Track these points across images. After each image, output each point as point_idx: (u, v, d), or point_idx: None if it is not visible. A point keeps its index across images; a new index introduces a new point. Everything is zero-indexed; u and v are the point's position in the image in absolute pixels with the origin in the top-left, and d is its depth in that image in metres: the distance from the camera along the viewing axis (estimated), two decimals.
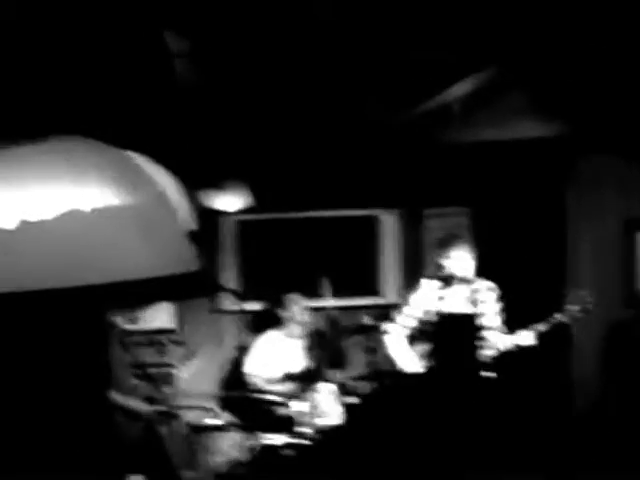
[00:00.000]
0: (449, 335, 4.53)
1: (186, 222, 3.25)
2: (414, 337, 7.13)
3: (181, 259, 1.89)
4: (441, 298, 6.90)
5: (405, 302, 7.18)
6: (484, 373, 6.67)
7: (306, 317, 8.16)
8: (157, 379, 7.32)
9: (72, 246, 1.70)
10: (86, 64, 4.26)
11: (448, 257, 6.86)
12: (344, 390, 7.67)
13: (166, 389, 7.32)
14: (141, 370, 7.25)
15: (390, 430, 4.28)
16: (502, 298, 7.03)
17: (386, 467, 4.18)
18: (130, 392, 7.01)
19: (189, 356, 7.61)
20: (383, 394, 5.03)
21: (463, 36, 5.25)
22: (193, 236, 3.37)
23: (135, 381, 7.19)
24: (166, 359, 7.62)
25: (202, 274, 1.99)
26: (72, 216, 1.72)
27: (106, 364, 6.98)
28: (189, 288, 2.05)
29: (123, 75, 4.69)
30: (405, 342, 7.03)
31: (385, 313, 7.48)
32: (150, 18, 3.98)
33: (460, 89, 6.25)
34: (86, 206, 1.76)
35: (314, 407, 7.46)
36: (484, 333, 6.77)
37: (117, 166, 1.85)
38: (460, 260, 6.85)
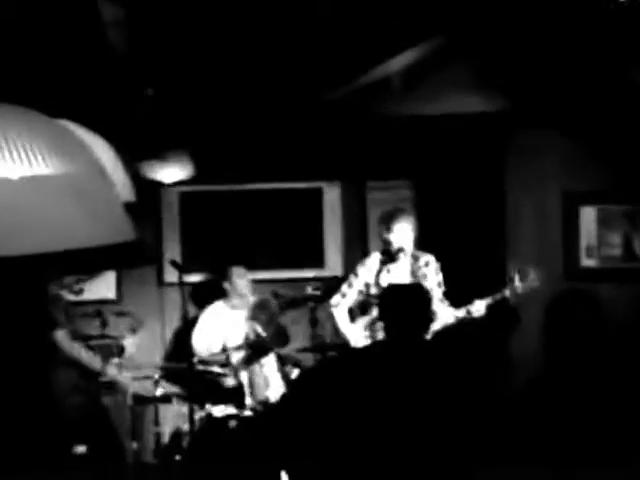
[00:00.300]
0: (397, 306, 4.49)
1: (123, 192, 3.25)
2: (355, 310, 7.20)
3: (117, 229, 1.88)
4: (384, 271, 6.96)
5: (349, 274, 7.24)
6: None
7: (249, 289, 8.17)
8: (101, 351, 7.32)
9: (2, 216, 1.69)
10: (17, 30, 4.23)
11: (391, 231, 6.89)
12: (287, 362, 7.70)
13: (110, 360, 7.32)
14: (84, 342, 7.24)
15: (331, 403, 4.24)
16: (444, 271, 7.10)
17: (325, 441, 4.16)
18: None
19: (132, 328, 7.58)
20: (325, 366, 5.02)
21: (405, 5, 5.26)
22: (131, 207, 3.36)
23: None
24: (108, 331, 7.57)
25: (138, 244, 1.98)
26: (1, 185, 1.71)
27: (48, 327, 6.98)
28: (125, 258, 2.05)
29: (55, 42, 4.65)
30: (347, 315, 7.10)
31: (329, 285, 7.53)
32: None
33: (401, 61, 6.26)
34: (14, 174, 1.75)
35: (257, 379, 7.49)
36: (436, 308, 6.86)
37: (49, 134, 1.84)
38: (402, 233, 6.89)
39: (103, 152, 3.15)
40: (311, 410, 4.30)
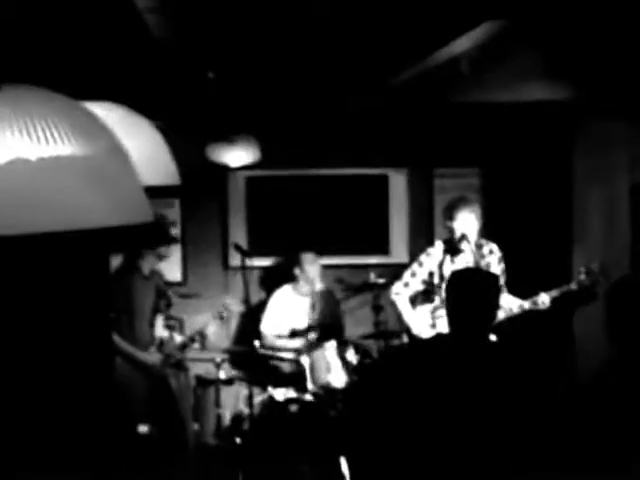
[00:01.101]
0: (462, 291, 4.38)
1: (166, 175, 3.27)
2: (417, 296, 7.18)
3: (135, 210, 1.90)
4: (448, 260, 6.94)
5: (412, 263, 7.22)
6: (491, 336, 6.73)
7: (319, 276, 8.20)
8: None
9: (17, 196, 1.71)
10: (49, 20, 4.27)
11: (454, 219, 6.86)
12: (349, 347, 7.70)
13: (175, 342, 7.40)
14: (167, 322, 7.36)
15: (396, 393, 4.21)
16: (509, 260, 7.06)
17: (387, 429, 4.14)
18: (149, 343, 7.09)
19: (220, 315, 7.65)
20: (388, 362, 4.97)
21: None
22: (175, 189, 3.39)
23: (164, 332, 7.29)
24: (173, 312, 7.64)
25: (155, 226, 2.00)
26: (16, 165, 1.74)
27: (104, 311, 7.05)
28: (143, 238, 2.07)
29: (90, 31, 4.69)
30: (409, 303, 7.10)
31: (394, 272, 7.50)
32: None
33: (466, 44, 6.18)
34: (32, 155, 1.77)
35: (319, 363, 7.51)
36: None
37: (69, 116, 1.86)
38: (465, 222, 6.85)
39: (145, 133, 3.16)
40: (373, 406, 4.27)
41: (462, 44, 6.12)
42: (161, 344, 7.22)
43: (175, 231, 7.72)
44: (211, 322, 7.61)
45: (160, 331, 7.30)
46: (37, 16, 4.07)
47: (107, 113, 3.15)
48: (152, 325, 7.20)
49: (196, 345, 7.42)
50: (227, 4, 5.30)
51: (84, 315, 6.80)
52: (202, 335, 7.49)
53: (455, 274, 4.89)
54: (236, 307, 8.22)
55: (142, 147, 3.06)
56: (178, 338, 7.44)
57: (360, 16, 5.71)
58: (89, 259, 5.39)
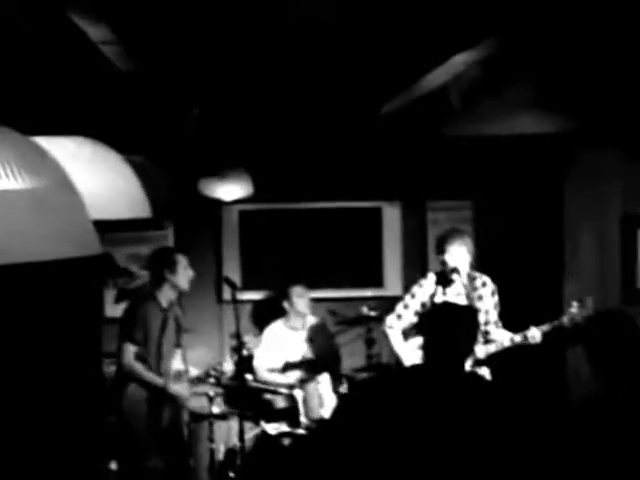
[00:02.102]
0: (442, 326, 4.39)
1: (138, 208, 3.28)
2: (410, 330, 7.17)
3: (82, 243, 1.90)
4: (440, 292, 6.94)
5: (405, 295, 7.22)
6: (477, 369, 6.71)
7: (308, 308, 8.19)
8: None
9: None
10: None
11: (445, 252, 6.87)
12: (342, 381, 7.68)
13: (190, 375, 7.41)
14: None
15: (364, 429, 4.19)
16: (501, 292, 7.05)
17: (372, 462, 4.11)
18: (165, 375, 7.09)
19: (190, 343, 7.66)
20: (362, 390, 4.96)
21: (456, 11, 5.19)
22: (147, 221, 3.40)
23: (181, 366, 7.29)
24: None
25: (102, 258, 2.01)
26: None
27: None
28: (88, 271, 2.07)
29: (47, 67, 4.71)
30: (401, 335, 7.08)
31: (388, 305, 7.48)
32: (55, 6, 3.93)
33: (455, 70, 6.19)
34: None
35: (311, 397, 7.49)
36: (487, 327, 6.83)
37: (13, 149, 1.87)
38: (457, 254, 6.86)
39: (115, 167, 3.17)
40: (345, 435, 4.25)
41: (449, 71, 6.13)
42: (178, 377, 7.22)
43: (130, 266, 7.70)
44: (227, 358, 7.62)
45: (177, 364, 7.28)
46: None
47: (77, 147, 3.18)
48: (167, 358, 7.16)
49: (212, 380, 7.41)
50: (200, 37, 5.32)
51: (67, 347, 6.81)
52: (219, 370, 7.47)
53: (433, 307, 4.92)
54: (253, 343, 8.23)
55: (111, 181, 3.07)
56: (194, 372, 7.43)
57: (349, 44, 5.73)
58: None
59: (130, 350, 6.91)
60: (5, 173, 1.84)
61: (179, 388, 7.10)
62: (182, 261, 7.16)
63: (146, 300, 7.12)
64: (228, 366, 7.58)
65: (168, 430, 7.20)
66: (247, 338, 7.86)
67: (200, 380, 7.39)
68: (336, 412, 4.76)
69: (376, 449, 4.06)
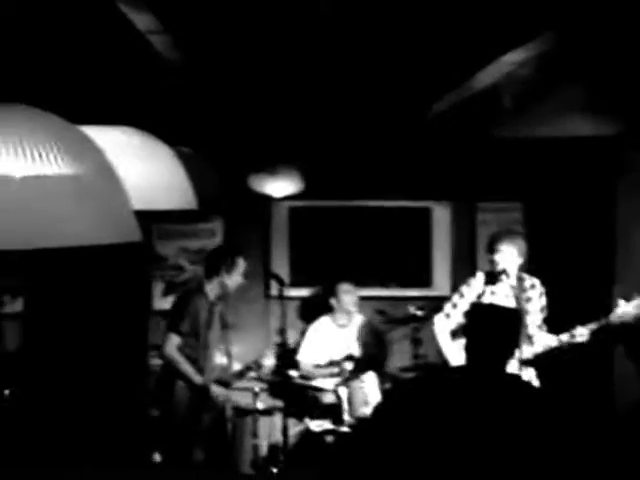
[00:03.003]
0: (480, 327, 4.36)
1: (182, 199, 3.29)
2: (457, 331, 7.13)
3: (121, 230, 1.92)
4: (488, 292, 6.91)
5: (453, 294, 7.19)
6: (524, 370, 6.66)
7: (355, 306, 8.19)
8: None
9: (1, 212, 1.74)
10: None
11: (496, 251, 6.83)
12: (387, 380, 7.67)
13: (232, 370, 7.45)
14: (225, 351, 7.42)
15: (401, 429, 4.17)
16: (550, 294, 7.00)
17: (409, 461, 4.09)
18: (210, 369, 7.13)
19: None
20: (401, 390, 4.94)
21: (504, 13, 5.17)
22: (193, 215, 3.43)
23: (218, 360, 7.33)
24: None
25: (141, 246, 2.02)
26: (2, 182, 1.76)
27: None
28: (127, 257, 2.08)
29: (96, 57, 4.74)
30: (450, 335, 7.05)
31: (435, 305, 7.44)
32: None
33: (506, 69, 6.14)
34: (17, 173, 1.80)
35: (356, 396, 7.48)
36: (531, 330, 6.79)
37: (57, 136, 1.89)
38: (507, 255, 6.81)
39: (163, 158, 3.19)
40: (383, 433, 4.24)
41: (500, 71, 6.09)
42: (221, 371, 7.27)
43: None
44: (268, 353, 7.64)
45: (220, 359, 7.33)
46: (49, 42, 4.15)
47: (127, 137, 3.20)
48: (212, 351, 7.22)
49: (252, 374, 7.43)
50: (250, 29, 5.33)
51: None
52: (258, 365, 7.50)
53: (476, 308, 4.87)
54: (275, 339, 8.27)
55: (158, 171, 3.09)
56: (236, 366, 7.46)
57: (401, 43, 5.73)
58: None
59: (173, 341, 6.95)
60: (48, 158, 1.86)
61: (217, 389, 7.11)
62: (241, 266, 7.21)
63: (195, 293, 7.17)
64: (268, 361, 7.59)
65: (211, 424, 7.23)
66: (290, 334, 7.90)
67: (241, 374, 7.42)
68: (376, 410, 4.74)
69: (413, 448, 4.04)
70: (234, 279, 7.19)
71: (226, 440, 7.51)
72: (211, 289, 7.16)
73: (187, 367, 6.98)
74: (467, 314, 4.59)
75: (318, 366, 8.03)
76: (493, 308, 4.82)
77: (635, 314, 6.68)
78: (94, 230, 1.84)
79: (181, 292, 7.51)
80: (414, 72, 6.49)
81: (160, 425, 7.18)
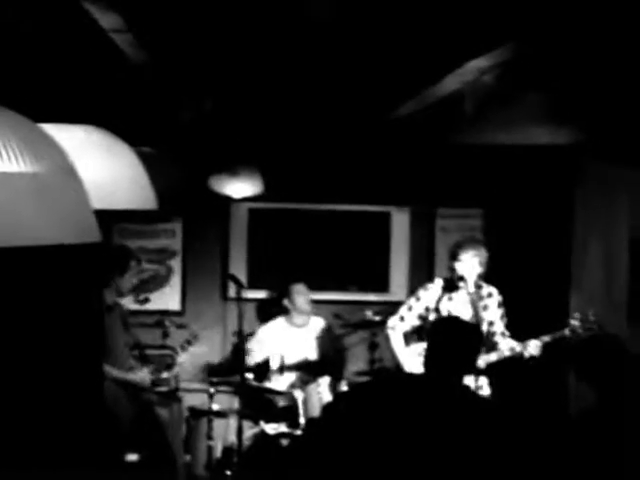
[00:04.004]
0: (444, 337, 4.39)
1: (142, 199, 3.27)
2: (410, 335, 7.15)
3: (81, 229, 1.90)
4: (445, 298, 6.93)
5: (410, 297, 7.21)
6: (478, 379, 6.69)
7: (309, 306, 8.18)
8: (155, 361, 7.35)
9: None
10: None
11: (457, 259, 6.85)
12: (342, 384, 7.67)
13: (167, 372, 7.37)
14: (139, 351, 7.30)
15: (348, 433, 4.17)
16: (508, 302, 7.03)
17: (353, 465, 4.10)
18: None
19: (187, 340, 7.64)
20: (351, 394, 4.95)
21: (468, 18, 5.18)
22: (154, 213, 3.41)
23: (133, 362, 7.24)
24: (169, 342, 7.64)
25: (102, 247, 2.00)
26: None
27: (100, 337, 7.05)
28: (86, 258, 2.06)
29: (57, 55, 4.71)
30: (403, 339, 7.07)
31: (392, 310, 7.46)
32: None
33: (468, 76, 6.16)
34: None
35: (312, 399, 7.48)
36: (493, 339, 6.82)
37: (18, 134, 1.87)
38: (468, 263, 6.83)
39: (123, 157, 3.16)
40: (329, 436, 4.24)
41: (463, 78, 6.11)
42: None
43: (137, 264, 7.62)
44: (178, 350, 7.56)
45: (129, 362, 7.23)
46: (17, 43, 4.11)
47: (87, 136, 3.18)
48: (119, 356, 7.12)
49: (165, 373, 7.36)
50: (213, 29, 5.31)
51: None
52: (172, 360, 7.46)
53: (439, 320, 4.90)
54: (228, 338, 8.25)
55: (118, 170, 3.07)
56: (145, 370, 7.32)
57: (362, 46, 5.73)
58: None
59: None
60: (7, 155, 1.84)
61: (139, 374, 7.04)
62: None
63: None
64: (182, 358, 7.52)
65: (150, 425, 7.19)
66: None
67: (157, 371, 7.32)
68: (324, 411, 4.75)
69: (356, 450, 4.05)
70: (125, 282, 7.13)
71: (164, 440, 7.47)
72: (108, 296, 7.09)
73: (114, 370, 6.91)
74: (432, 325, 4.61)
75: (272, 369, 7.99)
76: (456, 322, 4.85)
77: (588, 328, 6.74)
78: (53, 230, 1.82)
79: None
80: (376, 76, 6.50)
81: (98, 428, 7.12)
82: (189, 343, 7.62)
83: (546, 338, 6.74)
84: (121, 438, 6.98)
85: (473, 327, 4.85)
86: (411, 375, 6.17)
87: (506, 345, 6.82)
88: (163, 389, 7.23)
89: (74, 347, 7.62)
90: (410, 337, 7.13)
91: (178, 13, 4.84)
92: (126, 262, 7.11)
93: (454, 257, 6.88)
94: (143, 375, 7.07)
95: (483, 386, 6.79)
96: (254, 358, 8.07)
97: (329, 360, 8.11)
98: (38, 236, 1.80)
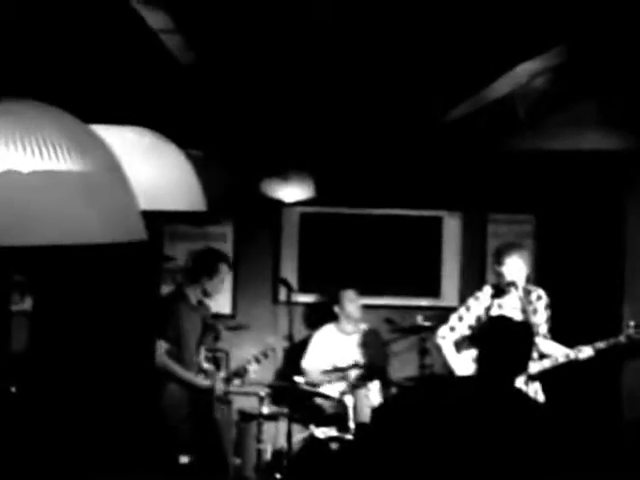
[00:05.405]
0: (499, 341, 4.34)
1: (190, 200, 3.29)
2: (463, 342, 7.13)
3: (127, 228, 1.92)
4: (495, 305, 6.91)
5: (461, 306, 7.20)
6: (530, 384, 6.65)
7: (358, 313, 8.17)
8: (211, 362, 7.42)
9: (6, 207, 1.74)
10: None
11: (503, 264, 6.84)
12: (392, 389, 7.66)
13: (239, 381, 7.44)
14: (213, 355, 7.39)
15: (402, 435, 4.16)
16: (559, 307, 7.00)
17: (405, 468, 4.08)
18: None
19: (263, 353, 7.71)
20: (404, 397, 4.93)
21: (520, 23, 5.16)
22: (201, 215, 3.43)
23: (207, 365, 7.31)
24: (220, 345, 7.68)
25: (146, 245, 2.02)
26: (8, 177, 1.77)
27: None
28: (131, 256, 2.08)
29: (108, 55, 4.74)
30: (454, 347, 7.06)
31: (443, 315, 7.45)
32: None
33: (521, 78, 6.12)
34: (24, 168, 1.80)
35: (361, 403, 7.48)
36: (537, 339, 6.78)
37: (65, 132, 1.89)
38: (514, 267, 6.81)
39: (173, 160, 3.19)
40: (382, 440, 4.23)
41: (514, 81, 6.08)
42: (204, 376, 7.25)
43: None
44: (253, 361, 7.61)
45: (202, 364, 7.31)
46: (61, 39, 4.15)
47: (137, 137, 3.21)
48: (197, 356, 7.23)
49: (236, 382, 7.44)
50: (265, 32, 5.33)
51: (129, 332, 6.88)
52: (245, 370, 7.51)
53: (491, 321, 4.85)
54: (279, 344, 8.27)
55: (167, 172, 3.09)
56: (221, 373, 7.45)
57: (416, 49, 5.72)
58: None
59: (162, 347, 6.97)
60: (55, 154, 1.87)
61: (221, 385, 7.15)
62: (222, 272, 7.23)
63: (177, 298, 7.19)
64: (252, 367, 7.58)
65: (204, 426, 7.24)
66: (271, 340, 7.95)
67: (227, 380, 7.42)
68: (375, 415, 4.74)
69: (409, 454, 4.04)
70: (215, 285, 7.22)
71: (221, 443, 7.52)
72: (192, 294, 7.18)
73: (183, 371, 7.00)
74: (482, 326, 4.57)
75: (325, 372, 8.01)
76: (508, 322, 4.78)
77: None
78: (99, 228, 1.84)
79: (162, 297, 7.52)
80: (428, 80, 6.49)
81: (151, 429, 7.20)
82: (265, 356, 7.69)
83: (601, 345, 6.70)
84: (177, 440, 7.04)
85: (525, 326, 4.79)
86: (462, 377, 6.14)
87: (555, 348, 6.79)
88: (217, 392, 7.29)
89: (128, 348, 7.71)
90: (461, 344, 7.11)
91: (227, 14, 4.86)
92: (215, 265, 7.19)
93: (499, 262, 6.88)
94: (219, 386, 7.15)
95: (537, 391, 6.76)
96: (309, 368, 8.11)
97: (377, 366, 8.10)
98: (84, 234, 1.83)
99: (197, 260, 7.39)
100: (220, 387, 7.24)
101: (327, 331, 8.27)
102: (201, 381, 7.08)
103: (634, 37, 5.51)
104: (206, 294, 7.29)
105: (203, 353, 7.31)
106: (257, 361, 7.64)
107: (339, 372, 7.80)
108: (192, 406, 7.14)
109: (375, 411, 4.97)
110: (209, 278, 7.17)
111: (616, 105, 7.32)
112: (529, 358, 4.42)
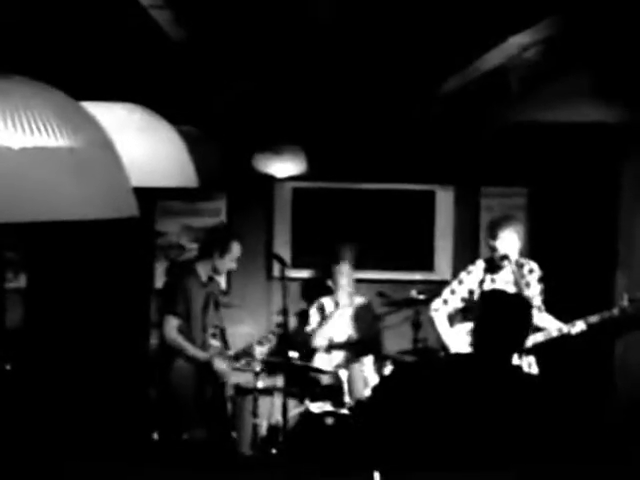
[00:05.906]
0: (494, 312, 4.27)
1: (182, 177, 3.29)
2: (455, 315, 7.15)
3: (118, 204, 1.91)
4: (488, 279, 6.93)
5: (454, 280, 7.21)
6: (524, 357, 6.67)
7: (351, 286, 8.17)
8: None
9: None
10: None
11: (497, 238, 6.84)
12: (386, 363, 7.67)
13: (244, 362, 7.45)
14: (221, 333, 7.40)
15: (401, 411, 4.16)
16: (553, 280, 7.01)
17: (404, 444, 4.09)
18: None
19: (271, 336, 7.74)
20: (400, 373, 4.92)
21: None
22: (195, 193, 3.43)
23: (213, 342, 7.33)
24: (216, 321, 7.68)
25: (139, 221, 2.01)
26: None
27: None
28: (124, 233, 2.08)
29: (99, 32, 4.72)
30: (447, 320, 7.08)
31: (437, 289, 7.45)
32: None
33: (514, 51, 6.09)
34: (15, 144, 1.79)
35: (356, 378, 7.50)
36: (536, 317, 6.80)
37: (56, 109, 1.88)
38: (508, 241, 6.81)
39: (165, 136, 3.18)
40: (382, 416, 4.23)
41: (506, 53, 6.06)
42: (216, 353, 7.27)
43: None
44: (255, 345, 7.62)
45: (208, 341, 7.33)
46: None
47: (128, 113, 3.20)
48: (208, 332, 7.24)
49: (242, 362, 7.45)
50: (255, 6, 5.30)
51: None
52: (249, 354, 7.51)
53: (487, 294, 4.81)
54: (275, 320, 8.30)
55: (159, 148, 3.09)
56: (229, 352, 7.45)
57: (405, 21, 5.70)
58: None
59: (172, 323, 6.97)
60: (46, 130, 1.86)
61: (219, 362, 7.14)
62: (235, 250, 7.21)
63: (187, 273, 7.18)
64: (259, 349, 7.59)
65: (211, 403, 7.25)
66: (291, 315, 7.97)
67: (236, 358, 7.43)
68: (374, 393, 4.74)
69: (408, 430, 4.03)
70: (226, 264, 7.21)
71: (226, 418, 7.53)
72: (203, 270, 7.18)
73: (190, 346, 7.01)
74: (479, 300, 4.54)
75: (317, 348, 8.04)
76: (506, 296, 4.71)
77: (637, 310, 6.71)
78: (91, 205, 1.84)
79: (173, 273, 7.52)
80: (419, 53, 6.46)
81: (158, 406, 7.22)
82: (273, 334, 7.72)
83: (594, 318, 6.71)
84: (183, 416, 7.07)
85: (523, 300, 4.70)
86: (459, 354, 6.14)
87: (549, 321, 6.81)
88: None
89: (121, 325, 7.73)
90: (454, 317, 7.13)
91: None
92: (227, 243, 7.17)
93: (493, 236, 6.87)
94: (225, 370, 7.16)
95: (531, 364, 6.79)
96: (300, 339, 8.14)
97: (370, 339, 8.12)
98: (76, 211, 1.82)
99: (209, 237, 7.37)
100: (225, 371, 7.22)
101: (321, 305, 8.28)
102: (203, 355, 7.07)
103: (626, 8, 5.49)
104: (216, 271, 7.28)
105: (210, 330, 7.33)
106: (261, 343, 7.66)
107: (334, 348, 7.84)
108: (200, 382, 7.15)
109: (374, 389, 4.95)
110: (220, 256, 7.15)
111: (610, 77, 7.29)
112: (528, 333, 4.36)
